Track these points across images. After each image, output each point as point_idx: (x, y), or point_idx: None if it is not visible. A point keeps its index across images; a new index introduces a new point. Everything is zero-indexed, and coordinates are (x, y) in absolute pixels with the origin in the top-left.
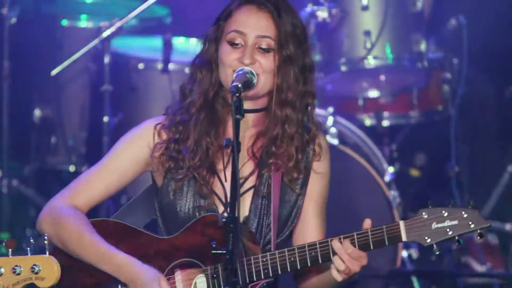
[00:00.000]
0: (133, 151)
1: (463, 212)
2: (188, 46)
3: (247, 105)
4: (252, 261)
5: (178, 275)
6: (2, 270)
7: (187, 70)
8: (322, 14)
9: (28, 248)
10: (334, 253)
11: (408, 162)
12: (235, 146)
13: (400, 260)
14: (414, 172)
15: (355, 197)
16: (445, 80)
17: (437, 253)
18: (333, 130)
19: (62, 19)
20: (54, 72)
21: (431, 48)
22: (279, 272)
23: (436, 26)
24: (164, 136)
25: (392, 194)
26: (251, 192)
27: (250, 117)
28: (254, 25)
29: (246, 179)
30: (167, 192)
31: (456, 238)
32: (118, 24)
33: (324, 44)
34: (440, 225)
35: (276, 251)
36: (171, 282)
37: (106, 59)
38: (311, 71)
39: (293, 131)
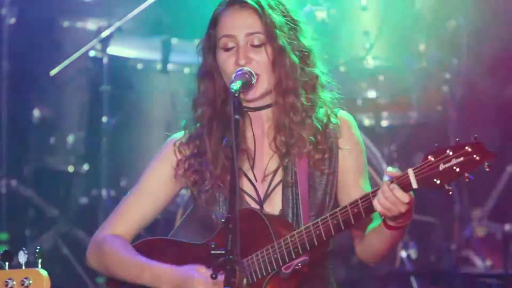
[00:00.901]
0: (160, 173)
1: (467, 147)
2: (187, 46)
3: (259, 102)
4: (283, 243)
5: (222, 275)
6: None
7: (186, 70)
8: (321, 14)
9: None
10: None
11: (407, 163)
12: (234, 146)
13: (399, 260)
14: None
15: None
16: (444, 81)
17: (450, 193)
18: None
19: (61, 19)
20: (53, 72)
21: (430, 49)
22: (308, 248)
23: (435, 27)
24: (184, 152)
25: None
26: (280, 185)
27: (264, 113)
28: (240, 25)
29: (274, 173)
30: (201, 203)
31: (466, 174)
32: (117, 24)
33: (322, 44)
34: (447, 165)
35: (302, 227)
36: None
37: (105, 60)
38: (309, 52)
39: (299, 118)
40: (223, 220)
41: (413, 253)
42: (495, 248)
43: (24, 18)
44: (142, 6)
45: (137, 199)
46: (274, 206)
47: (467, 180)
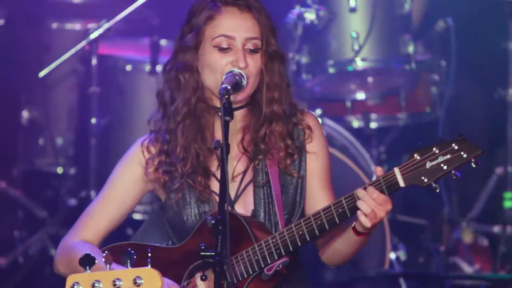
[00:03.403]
0: (128, 175)
1: (453, 145)
2: None
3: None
4: (263, 245)
5: (198, 277)
6: (101, 284)
7: None
8: (310, 16)
9: (129, 261)
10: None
11: (396, 164)
12: (224, 148)
13: (388, 262)
14: None
15: None
16: (433, 82)
17: (437, 190)
18: None
19: (49, 20)
20: (41, 73)
21: (419, 50)
22: (291, 249)
23: (424, 28)
24: (153, 150)
25: None
26: (251, 186)
27: (235, 114)
28: (241, 28)
29: (243, 174)
30: (171, 205)
31: (453, 172)
32: (106, 25)
33: (311, 46)
34: (434, 162)
35: (284, 229)
36: (192, 285)
37: (94, 61)
38: (285, 59)
39: (280, 127)
40: (213, 222)
41: (402, 255)
42: (484, 250)
43: (12, 20)
44: (131, 8)
45: (104, 203)
46: (245, 206)
47: (454, 177)
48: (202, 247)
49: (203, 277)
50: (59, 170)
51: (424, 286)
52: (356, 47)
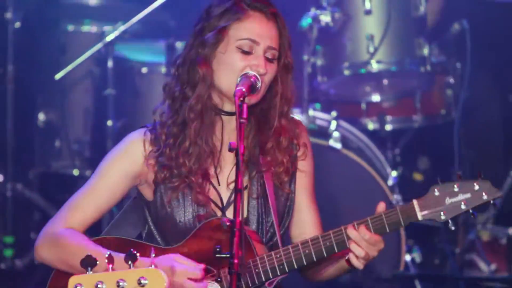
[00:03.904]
0: (123, 166)
1: (474, 184)
2: None
3: (231, 108)
4: (266, 259)
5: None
6: (104, 285)
7: None
8: (325, 18)
9: (131, 262)
10: (350, 240)
11: (411, 166)
12: (239, 151)
13: (403, 264)
14: (418, 176)
15: (358, 201)
16: (448, 84)
17: (453, 228)
18: (336, 134)
19: (66, 23)
20: (58, 76)
21: (434, 52)
22: (295, 267)
23: (439, 31)
24: (156, 142)
25: (395, 198)
26: (245, 193)
27: (233, 120)
28: (265, 35)
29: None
30: (163, 205)
31: (471, 211)
32: (122, 28)
33: (327, 48)
34: (453, 199)
35: (289, 246)
36: None
37: (110, 63)
38: (293, 67)
39: (287, 142)
40: (227, 224)
41: (418, 257)
42: (500, 252)
43: (29, 22)
44: (147, 10)
45: (93, 193)
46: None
47: (471, 216)
48: (218, 249)
49: (219, 279)
50: (75, 172)
51: None
52: (371, 49)
